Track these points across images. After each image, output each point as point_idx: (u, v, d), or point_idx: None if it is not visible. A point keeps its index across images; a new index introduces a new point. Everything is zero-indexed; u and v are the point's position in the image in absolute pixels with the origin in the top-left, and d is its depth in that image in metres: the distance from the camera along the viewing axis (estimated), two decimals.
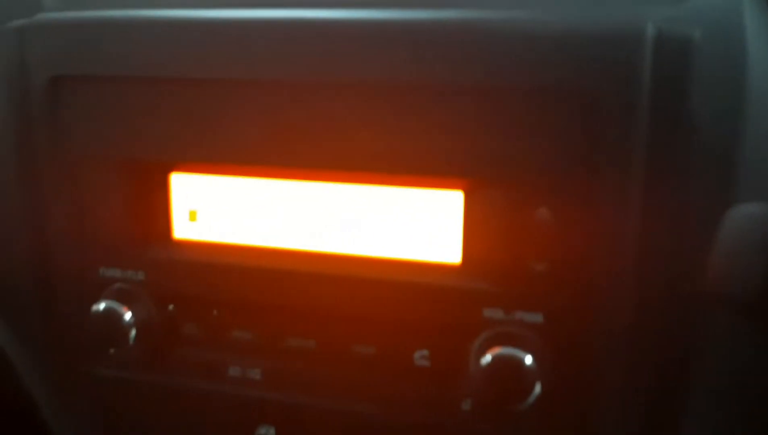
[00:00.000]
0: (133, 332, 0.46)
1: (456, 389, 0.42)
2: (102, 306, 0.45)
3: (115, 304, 0.45)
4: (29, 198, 0.47)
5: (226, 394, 0.47)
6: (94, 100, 0.45)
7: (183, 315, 0.46)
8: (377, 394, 0.43)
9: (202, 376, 0.47)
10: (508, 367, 0.39)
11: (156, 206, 0.46)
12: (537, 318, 0.39)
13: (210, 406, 0.49)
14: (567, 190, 0.38)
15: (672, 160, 0.36)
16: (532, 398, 0.39)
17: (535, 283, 0.39)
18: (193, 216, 0.46)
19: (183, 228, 0.46)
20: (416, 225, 0.41)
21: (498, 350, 0.39)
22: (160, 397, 0.49)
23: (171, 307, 0.46)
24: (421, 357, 0.42)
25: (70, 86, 0.45)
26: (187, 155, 0.44)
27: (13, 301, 0.52)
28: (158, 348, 0.47)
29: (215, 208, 0.45)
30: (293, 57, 0.41)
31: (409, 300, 0.41)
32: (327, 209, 0.43)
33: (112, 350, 0.46)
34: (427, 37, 0.38)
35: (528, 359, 0.38)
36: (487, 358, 0.39)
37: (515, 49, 0.37)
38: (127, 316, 0.45)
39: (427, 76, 0.38)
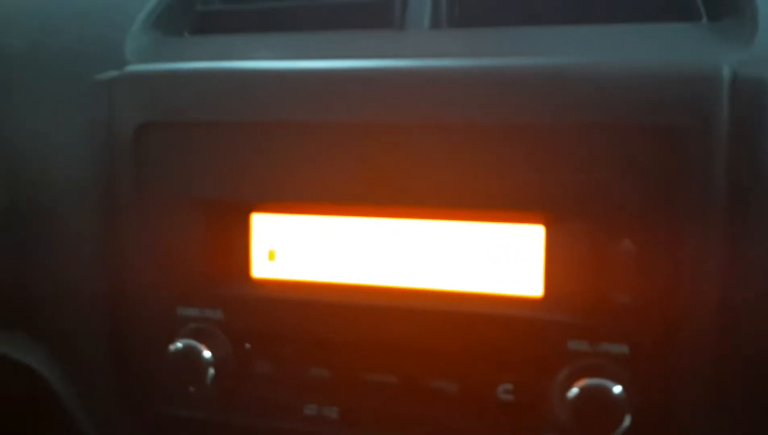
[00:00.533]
0: (211, 371, 0.46)
1: (540, 424, 0.42)
2: (181, 344, 0.46)
3: (193, 342, 0.46)
4: (110, 241, 0.49)
5: (300, 432, 0.47)
6: (177, 145, 0.46)
7: (259, 353, 0.46)
8: (459, 432, 0.43)
9: (276, 415, 0.47)
10: (596, 398, 0.39)
11: (235, 246, 0.47)
12: (623, 349, 0.40)
13: None
14: (649, 223, 0.39)
15: (752, 193, 0.38)
16: (620, 431, 0.39)
17: (620, 315, 0.40)
18: (272, 255, 0.47)
19: (262, 267, 0.47)
20: (498, 259, 0.43)
21: (585, 381, 0.39)
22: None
23: (247, 345, 0.47)
24: (504, 391, 0.42)
25: (154, 133, 0.47)
26: (267, 196, 0.46)
27: (79, 346, 0.52)
28: (234, 387, 0.47)
29: (294, 247, 0.46)
30: (373, 102, 0.43)
31: (491, 333, 0.42)
32: (407, 245, 0.44)
33: (190, 389, 0.46)
34: (512, 80, 0.41)
35: (617, 389, 0.39)
36: (574, 390, 0.39)
37: (600, 89, 0.39)
38: (206, 354, 0.46)
39: (511, 117, 0.41)
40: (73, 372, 0.55)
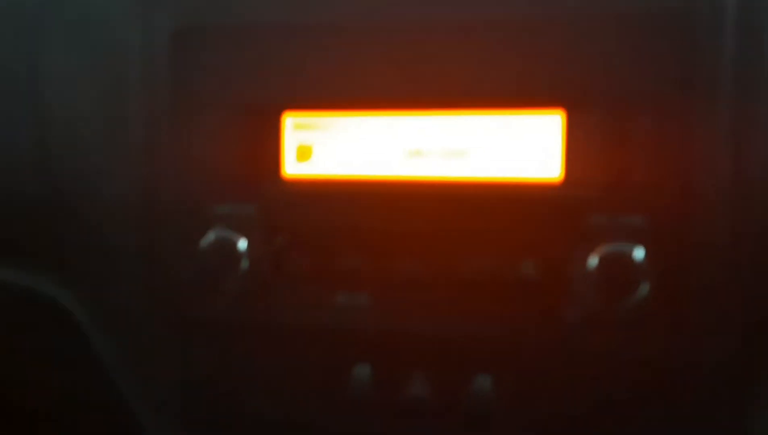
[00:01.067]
0: (245, 262, 0.48)
1: (561, 300, 0.45)
2: (216, 235, 0.48)
3: (228, 232, 0.48)
4: (145, 147, 0.50)
5: (328, 327, 0.49)
6: (212, 49, 0.49)
7: (291, 246, 0.48)
8: (486, 311, 0.46)
9: (308, 307, 0.48)
10: (616, 262, 0.42)
11: (268, 146, 0.49)
12: (641, 221, 0.43)
13: (309, 344, 0.50)
14: (665, 102, 0.43)
15: (759, 72, 0.42)
16: (638, 297, 0.42)
17: (638, 189, 0.43)
18: (302, 155, 0.49)
19: (293, 166, 0.49)
20: (520, 147, 0.46)
21: (605, 248, 0.42)
22: (261, 337, 0.51)
23: (280, 239, 0.49)
24: (527, 267, 0.45)
25: (191, 37, 0.49)
26: (299, 96, 0.48)
27: (107, 263, 0.53)
28: (265, 282, 0.49)
29: (325, 146, 0.49)
30: (398, 1, 0.46)
31: (512, 214, 0.45)
32: (432, 138, 0.47)
33: (223, 282, 0.48)
34: None
35: (636, 253, 0.42)
36: (595, 257, 0.42)
37: None
38: (241, 244, 0.48)
39: (529, 8, 0.44)
40: (96, 290, 0.56)
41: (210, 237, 0.48)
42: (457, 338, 0.47)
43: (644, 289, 0.42)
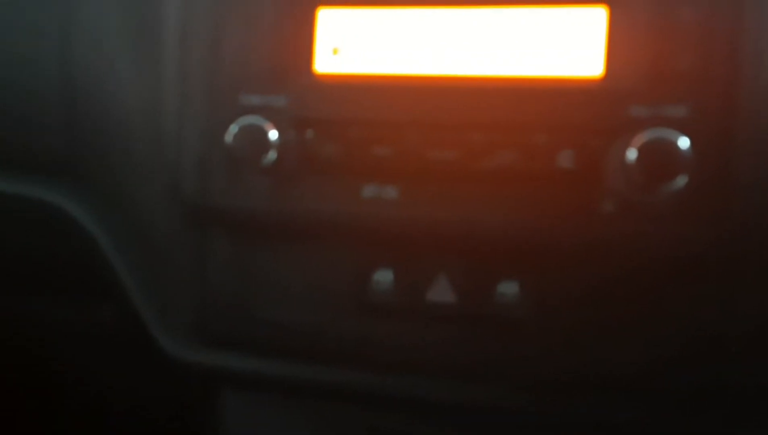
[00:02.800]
0: (273, 153, 0.47)
1: (599, 190, 0.44)
2: (245, 122, 0.47)
3: (259, 120, 0.47)
4: (182, 33, 0.50)
5: (353, 223, 0.48)
6: None
7: (321, 137, 0.47)
8: (519, 202, 0.45)
9: (334, 199, 0.47)
10: (658, 148, 0.41)
11: (300, 40, 0.49)
12: (683, 111, 0.42)
13: (331, 243, 0.49)
14: None
15: None
16: (678, 184, 0.41)
17: (680, 78, 0.42)
18: (335, 51, 0.49)
19: (325, 60, 0.48)
20: (560, 43, 0.45)
21: (649, 131, 0.41)
22: (284, 231, 0.50)
23: (309, 132, 0.48)
24: (564, 158, 0.44)
25: None
26: None
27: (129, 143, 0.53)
28: (292, 174, 0.48)
29: (357, 41, 0.48)
30: None
31: (549, 105, 0.44)
32: (469, 34, 0.46)
33: (250, 171, 0.47)
34: None
35: (677, 140, 0.41)
36: (639, 141, 0.41)
37: None
38: (272, 133, 0.47)
39: None
40: (110, 195, 0.55)
41: (239, 124, 0.47)
42: (486, 238, 0.46)
43: (683, 178, 0.41)
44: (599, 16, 0.44)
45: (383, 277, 0.49)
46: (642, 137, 0.41)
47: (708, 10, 0.42)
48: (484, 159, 0.45)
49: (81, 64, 0.55)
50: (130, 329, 0.56)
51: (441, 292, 0.48)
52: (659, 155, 0.41)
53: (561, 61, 0.45)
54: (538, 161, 0.44)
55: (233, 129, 0.47)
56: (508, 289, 0.47)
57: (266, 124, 0.47)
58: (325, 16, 0.48)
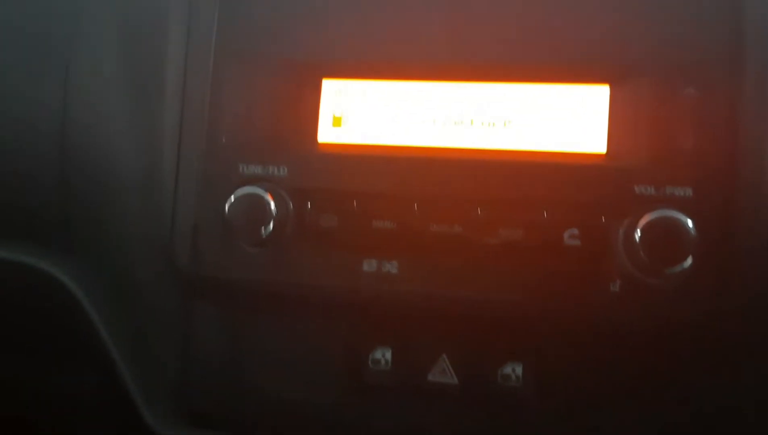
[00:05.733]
0: (271, 224, 0.46)
1: (605, 269, 0.42)
2: (245, 192, 0.46)
3: (259, 190, 0.46)
4: (182, 101, 0.50)
5: (351, 299, 0.46)
6: (257, 5, 0.49)
7: (321, 209, 0.46)
8: (524, 281, 0.43)
9: (333, 273, 0.46)
10: (663, 230, 0.40)
11: (304, 110, 0.48)
12: (687, 192, 0.42)
13: (328, 318, 0.48)
14: (712, 71, 0.42)
15: None
16: (683, 268, 0.40)
17: (684, 160, 0.42)
18: (338, 120, 0.48)
19: (328, 131, 0.48)
20: (562, 119, 0.45)
21: (655, 213, 0.40)
22: (279, 304, 0.48)
23: (309, 204, 0.47)
24: (570, 236, 0.43)
25: None
26: (338, 63, 0.48)
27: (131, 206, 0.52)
28: (291, 245, 0.47)
29: (361, 112, 0.48)
30: None
31: (555, 183, 0.43)
32: (474, 107, 0.46)
33: (248, 241, 0.46)
34: None
35: (683, 222, 0.40)
36: (645, 223, 0.40)
37: None
38: (270, 204, 0.46)
39: None
40: (100, 263, 0.54)
41: (238, 194, 0.46)
42: (489, 316, 0.45)
43: (688, 259, 0.40)
44: (602, 93, 0.45)
45: (381, 355, 0.48)
46: (647, 218, 0.40)
47: (708, 90, 0.42)
48: (487, 235, 0.44)
49: (76, 131, 0.54)
50: (114, 400, 0.54)
51: (442, 373, 0.46)
52: (664, 237, 0.40)
53: (565, 137, 0.45)
54: (543, 238, 0.43)
55: (232, 199, 0.46)
56: (511, 370, 0.46)
57: (266, 195, 0.46)
58: (329, 87, 0.48)
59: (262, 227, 0.45)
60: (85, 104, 0.53)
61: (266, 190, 0.46)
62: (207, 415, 0.51)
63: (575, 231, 0.43)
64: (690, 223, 0.40)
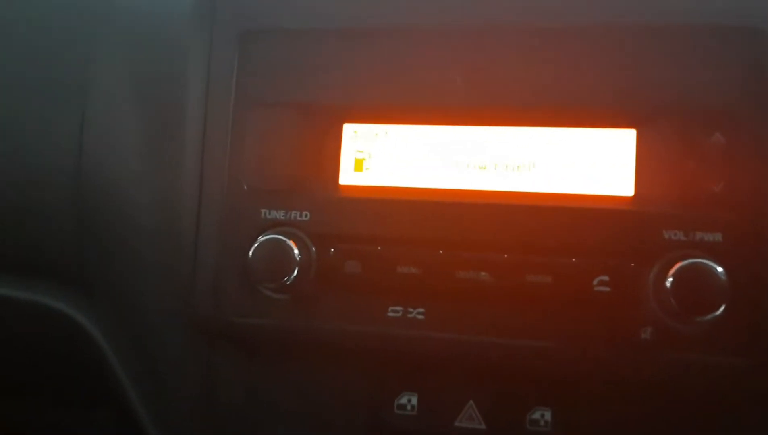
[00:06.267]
0: (296, 270, 0.45)
1: (636, 317, 0.42)
2: (267, 238, 0.45)
3: (282, 237, 0.45)
4: (203, 142, 0.49)
5: (376, 345, 0.46)
6: (278, 52, 0.48)
7: (344, 255, 0.46)
8: (553, 327, 0.43)
9: (357, 320, 0.45)
10: (694, 278, 0.40)
11: (325, 154, 0.48)
12: (717, 237, 0.41)
13: (352, 365, 0.47)
14: (739, 116, 0.42)
15: None
16: (715, 316, 0.40)
17: (713, 205, 0.42)
18: (360, 164, 0.48)
19: (350, 175, 0.48)
20: (589, 163, 0.44)
21: (686, 261, 0.40)
22: (303, 353, 0.48)
23: (332, 250, 0.46)
24: (600, 283, 0.43)
25: (256, 39, 0.49)
26: (359, 107, 0.47)
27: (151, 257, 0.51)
28: (314, 292, 0.46)
29: (384, 156, 0.47)
30: (467, 4, 0.46)
31: (584, 228, 0.43)
32: (499, 152, 0.46)
33: (271, 288, 0.45)
34: None
35: (715, 269, 0.40)
36: (676, 270, 0.40)
37: None
38: (294, 250, 0.45)
39: (602, 17, 0.44)
40: (119, 307, 0.53)
41: (261, 241, 0.45)
42: (517, 363, 0.44)
43: (720, 307, 0.40)
44: (629, 137, 0.44)
45: (407, 401, 0.47)
46: (678, 266, 0.40)
47: (736, 135, 0.42)
48: (514, 281, 0.44)
49: (94, 174, 0.54)
50: None
51: (470, 419, 0.46)
52: (695, 284, 0.40)
53: (592, 181, 0.44)
54: (572, 285, 0.43)
55: (256, 245, 0.46)
56: (540, 416, 0.45)
57: (289, 242, 0.45)
58: (350, 131, 0.48)
59: (286, 273, 0.45)
60: (102, 148, 0.53)
61: (289, 237, 0.46)
62: None
63: (605, 277, 0.43)
64: (720, 269, 0.40)
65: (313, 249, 0.46)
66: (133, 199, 0.52)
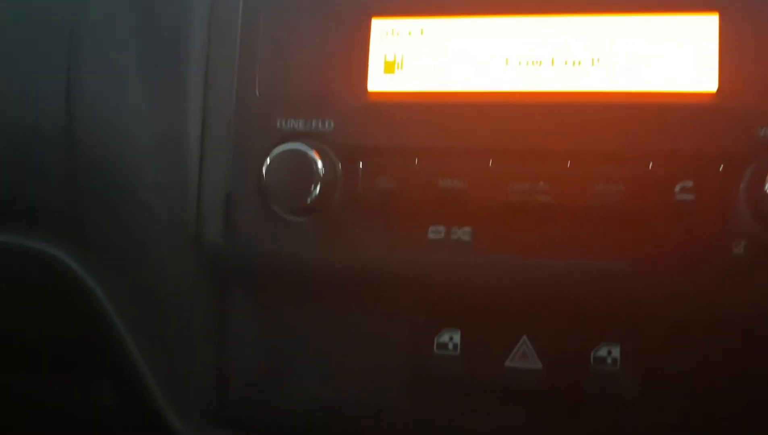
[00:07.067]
0: (318, 187, 0.39)
1: (726, 229, 0.36)
2: (288, 146, 0.39)
3: (303, 146, 0.39)
4: (207, 45, 0.42)
5: (415, 275, 0.39)
6: None
7: (377, 169, 0.39)
8: (625, 245, 0.36)
9: (392, 245, 0.39)
10: None
11: (350, 55, 0.41)
12: None
13: (386, 301, 0.41)
14: None
15: None
16: None
17: None
18: (390, 67, 0.41)
19: (380, 79, 0.41)
20: (661, 55, 0.38)
21: None
22: (329, 287, 0.41)
23: (362, 163, 0.40)
24: (682, 190, 0.36)
25: None
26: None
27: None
28: (341, 216, 0.40)
29: (418, 56, 0.40)
30: None
31: (663, 127, 0.36)
32: (558, 44, 0.39)
33: (291, 210, 0.39)
34: None
35: None
36: None
37: None
38: (317, 162, 0.39)
39: None
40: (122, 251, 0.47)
41: (277, 153, 0.39)
42: (581, 291, 0.38)
43: None
44: (710, 23, 0.38)
45: (449, 338, 0.41)
46: None
47: None
48: (580, 193, 0.37)
49: (87, 102, 0.48)
50: (136, 411, 0.47)
51: (523, 357, 0.40)
52: None
53: (667, 75, 0.38)
54: (650, 195, 0.36)
55: (270, 159, 0.39)
56: (607, 352, 0.39)
57: (311, 152, 0.39)
58: (379, 28, 0.41)
59: (308, 191, 0.38)
60: (94, 76, 0.46)
61: (311, 147, 0.39)
62: (244, 421, 0.44)
63: (688, 183, 0.36)
64: None
65: (339, 164, 0.40)
66: (131, 122, 0.46)
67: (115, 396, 0.51)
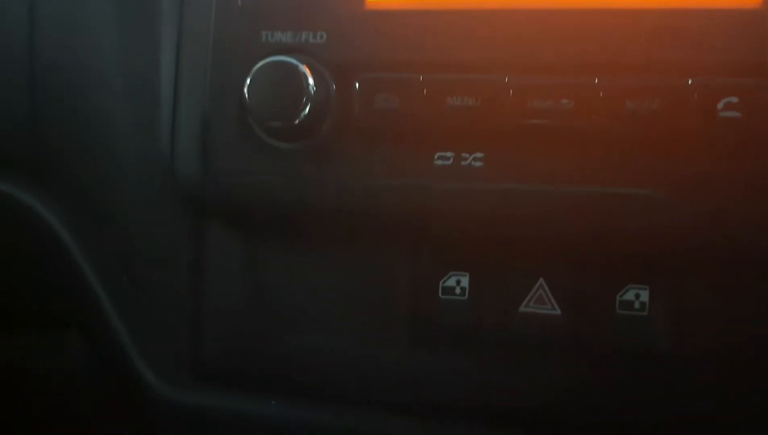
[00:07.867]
0: (308, 107, 0.34)
1: None
2: (273, 59, 0.34)
3: (290, 59, 0.34)
4: None
5: (418, 208, 0.35)
6: None
7: (376, 87, 0.35)
8: (660, 170, 0.32)
9: (392, 173, 0.35)
10: None
11: None
12: None
13: (385, 239, 0.37)
14: None
15: None
16: None
17: None
18: None
19: None
20: None
21: None
22: (318, 224, 0.37)
23: (359, 80, 0.35)
24: (727, 106, 0.31)
25: None
26: None
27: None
28: (334, 141, 0.35)
29: None
30: None
31: (703, 35, 0.32)
32: None
33: (277, 130, 0.34)
34: None
35: None
36: None
37: None
38: (307, 77, 0.34)
39: None
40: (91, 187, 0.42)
41: (261, 68, 0.34)
42: (605, 227, 0.33)
43: None
44: None
45: (456, 282, 0.37)
46: None
47: None
48: (609, 111, 0.32)
49: (50, 27, 0.43)
50: (105, 362, 0.44)
51: (539, 301, 0.35)
52: None
53: None
54: (689, 111, 0.31)
55: (253, 73, 0.34)
56: (635, 296, 0.35)
57: (301, 66, 0.34)
58: None
59: (296, 110, 0.34)
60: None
61: (300, 61, 0.34)
62: (224, 372, 0.41)
63: (733, 99, 0.31)
64: None
65: (332, 83, 0.35)
66: (95, 42, 0.41)
67: (85, 350, 0.48)
